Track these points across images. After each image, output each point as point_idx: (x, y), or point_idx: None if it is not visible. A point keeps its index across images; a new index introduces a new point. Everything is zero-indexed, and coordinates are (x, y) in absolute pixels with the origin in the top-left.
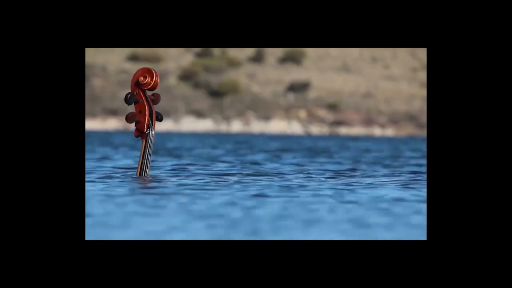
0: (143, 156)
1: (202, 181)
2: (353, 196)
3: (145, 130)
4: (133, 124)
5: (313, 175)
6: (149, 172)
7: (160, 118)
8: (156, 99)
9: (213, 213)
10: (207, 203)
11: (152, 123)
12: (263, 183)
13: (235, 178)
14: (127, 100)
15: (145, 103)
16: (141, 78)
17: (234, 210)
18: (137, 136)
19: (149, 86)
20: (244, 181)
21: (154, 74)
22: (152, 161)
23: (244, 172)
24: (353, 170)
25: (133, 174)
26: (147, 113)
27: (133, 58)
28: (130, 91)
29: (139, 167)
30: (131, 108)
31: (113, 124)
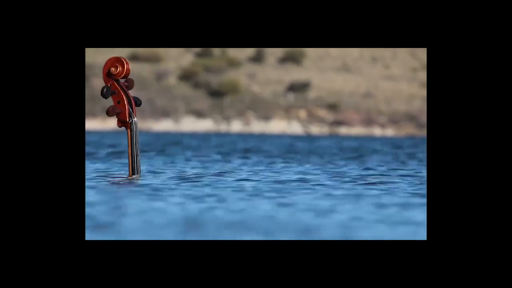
0: (131, 147)
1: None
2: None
3: (127, 120)
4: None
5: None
6: (140, 168)
7: (138, 104)
8: (129, 84)
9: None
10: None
11: (132, 110)
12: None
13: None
14: (104, 94)
15: (122, 92)
16: (112, 69)
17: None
18: (120, 127)
19: (122, 75)
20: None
21: (124, 61)
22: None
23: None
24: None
25: (125, 174)
26: (125, 102)
27: (133, 58)
28: (104, 84)
29: (130, 166)
30: (110, 102)
31: (113, 124)
